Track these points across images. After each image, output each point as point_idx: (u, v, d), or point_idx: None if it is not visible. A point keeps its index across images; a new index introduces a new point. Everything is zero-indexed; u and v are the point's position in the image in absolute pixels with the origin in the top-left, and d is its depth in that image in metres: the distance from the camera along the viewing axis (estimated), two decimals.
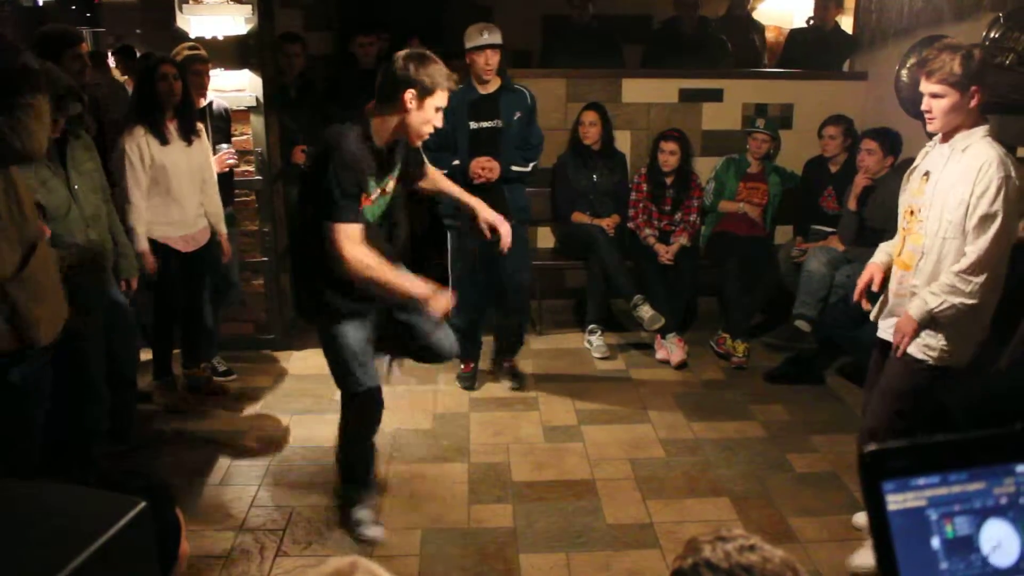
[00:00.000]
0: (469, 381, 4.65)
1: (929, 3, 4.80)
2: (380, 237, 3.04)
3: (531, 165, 4.44)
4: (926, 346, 2.91)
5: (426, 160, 3.41)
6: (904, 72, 4.75)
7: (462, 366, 4.67)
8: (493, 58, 4.19)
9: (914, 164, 3.05)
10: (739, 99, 5.69)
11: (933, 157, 2.91)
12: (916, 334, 2.89)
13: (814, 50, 5.97)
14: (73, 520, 0.95)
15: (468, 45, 4.18)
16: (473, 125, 4.28)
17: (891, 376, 3.01)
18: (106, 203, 3.58)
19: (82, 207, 3.34)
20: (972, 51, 2.75)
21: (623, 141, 5.57)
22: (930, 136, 2.98)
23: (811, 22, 6.09)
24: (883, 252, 3.15)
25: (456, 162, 4.24)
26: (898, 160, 4.66)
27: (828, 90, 5.63)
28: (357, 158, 2.83)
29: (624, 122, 5.62)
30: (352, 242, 2.82)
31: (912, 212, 2.95)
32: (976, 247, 2.73)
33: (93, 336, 3.45)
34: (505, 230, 3.38)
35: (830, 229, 4.99)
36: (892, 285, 3.07)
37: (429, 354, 3.39)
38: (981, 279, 2.74)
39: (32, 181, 2.98)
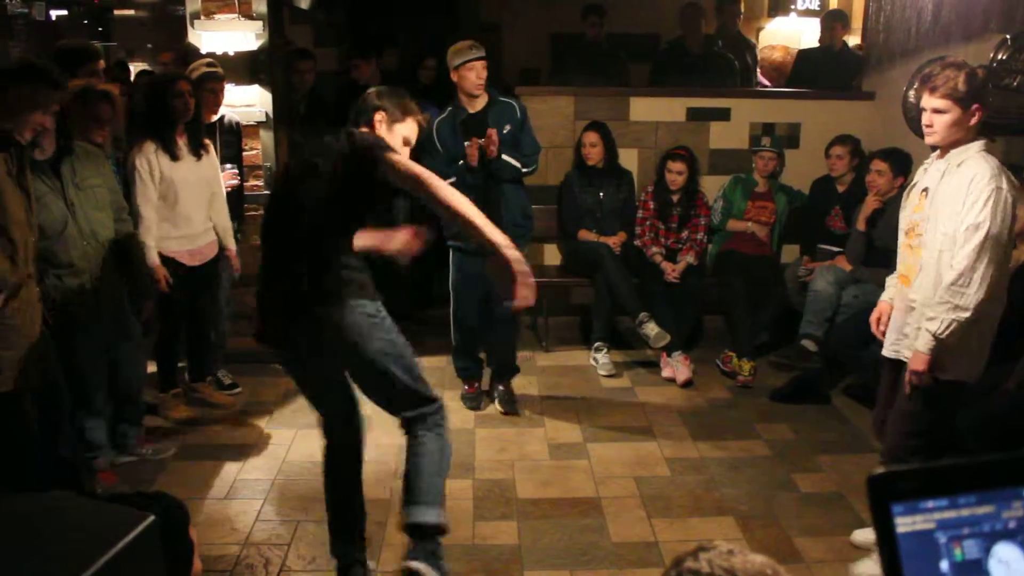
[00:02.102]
0: (474, 402, 4.62)
1: (937, 24, 4.82)
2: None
3: (526, 169, 4.37)
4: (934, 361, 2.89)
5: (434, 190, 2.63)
6: (912, 92, 4.75)
7: (466, 387, 4.66)
8: (483, 72, 4.20)
9: (913, 180, 3.07)
10: (746, 118, 5.70)
11: (931, 173, 2.92)
12: (931, 365, 2.85)
13: (823, 70, 5.99)
14: (85, 532, 0.95)
15: (457, 61, 4.18)
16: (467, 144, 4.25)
17: (904, 396, 2.98)
18: (120, 222, 3.53)
19: (80, 224, 3.26)
20: (975, 70, 2.79)
21: (630, 159, 5.58)
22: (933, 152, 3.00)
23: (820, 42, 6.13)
24: (891, 287, 3.15)
25: (460, 162, 4.19)
26: (907, 180, 4.66)
27: (835, 110, 5.64)
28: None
29: (632, 140, 5.63)
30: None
31: (912, 228, 2.96)
32: (961, 255, 2.73)
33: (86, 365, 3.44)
34: (523, 293, 2.48)
35: (837, 249, 4.99)
36: (896, 301, 3.08)
37: None
38: (972, 289, 2.72)
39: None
